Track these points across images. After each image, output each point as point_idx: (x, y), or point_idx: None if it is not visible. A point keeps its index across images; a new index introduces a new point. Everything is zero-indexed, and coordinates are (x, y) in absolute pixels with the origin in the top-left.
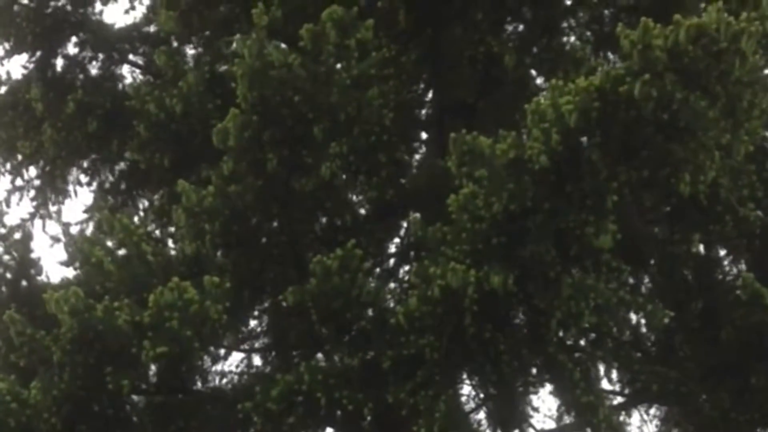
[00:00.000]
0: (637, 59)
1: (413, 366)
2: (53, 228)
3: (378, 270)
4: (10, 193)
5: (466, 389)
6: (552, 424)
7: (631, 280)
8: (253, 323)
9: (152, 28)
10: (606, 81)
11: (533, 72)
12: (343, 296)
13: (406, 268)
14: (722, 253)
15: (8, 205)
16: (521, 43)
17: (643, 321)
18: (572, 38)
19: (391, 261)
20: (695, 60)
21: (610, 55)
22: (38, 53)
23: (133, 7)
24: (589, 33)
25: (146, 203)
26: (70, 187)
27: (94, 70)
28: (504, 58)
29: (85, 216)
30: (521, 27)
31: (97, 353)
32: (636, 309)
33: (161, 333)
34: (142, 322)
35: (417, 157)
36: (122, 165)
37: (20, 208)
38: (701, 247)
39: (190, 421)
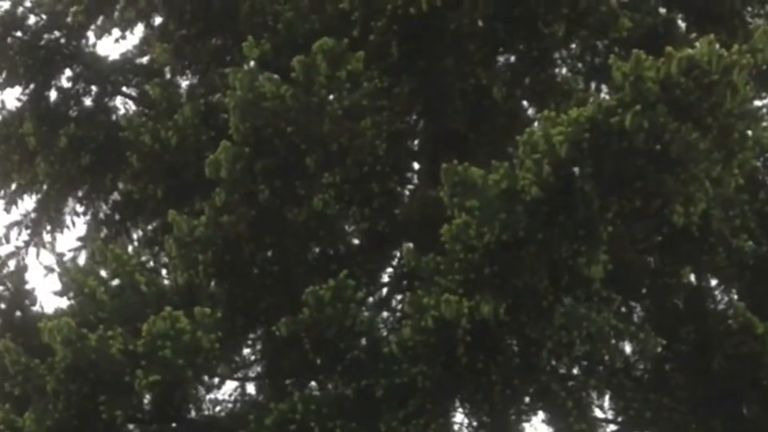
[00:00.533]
0: (629, 91)
1: (406, 395)
2: (47, 258)
3: (371, 299)
4: (8, 228)
5: (459, 418)
6: None
7: (623, 309)
8: (246, 351)
9: (145, 60)
10: (598, 112)
11: (525, 103)
12: (337, 326)
13: (399, 297)
14: (714, 282)
15: (7, 241)
16: (513, 75)
17: (635, 349)
18: (564, 70)
19: (384, 290)
20: (687, 92)
21: (602, 86)
22: (31, 85)
23: (123, 37)
24: (580, 64)
25: (140, 234)
26: (66, 218)
27: (87, 102)
28: (494, 89)
29: (79, 245)
30: (513, 58)
31: (91, 382)
32: (628, 338)
33: (154, 362)
34: (136, 351)
35: (409, 187)
36: (116, 196)
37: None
38: (693, 277)
39: None
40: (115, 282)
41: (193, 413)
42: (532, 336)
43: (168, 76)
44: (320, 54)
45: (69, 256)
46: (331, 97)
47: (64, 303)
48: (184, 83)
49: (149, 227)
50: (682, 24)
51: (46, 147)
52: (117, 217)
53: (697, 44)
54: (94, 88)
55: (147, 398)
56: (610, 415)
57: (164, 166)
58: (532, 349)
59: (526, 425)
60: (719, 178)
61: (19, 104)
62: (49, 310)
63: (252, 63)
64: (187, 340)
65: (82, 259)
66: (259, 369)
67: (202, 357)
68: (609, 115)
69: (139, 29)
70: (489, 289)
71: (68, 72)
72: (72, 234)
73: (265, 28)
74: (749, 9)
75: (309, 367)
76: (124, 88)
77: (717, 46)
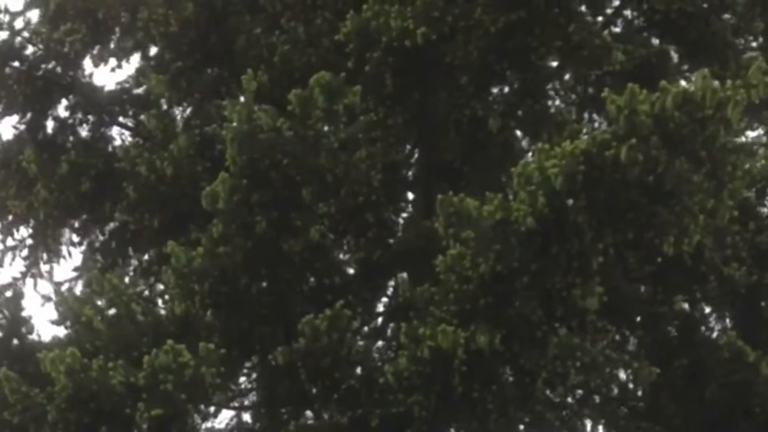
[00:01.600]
0: (623, 124)
1: (402, 424)
2: (44, 287)
3: (366, 329)
4: (3, 253)
5: None
6: None
7: (617, 338)
8: (242, 380)
9: (141, 91)
10: (592, 145)
11: (519, 134)
12: (332, 355)
13: (394, 326)
14: (707, 310)
15: (1, 265)
16: (506, 107)
17: (629, 378)
18: (557, 101)
19: (379, 320)
20: (681, 126)
21: (595, 117)
22: (29, 115)
23: (120, 66)
24: (574, 96)
25: (136, 263)
26: (63, 247)
27: (84, 132)
28: (489, 121)
29: (75, 275)
30: (506, 90)
31: (92, 413)
32: (622, 367)
33: (156, 395)
34: (137, 383)
35: (404, 217)
36: (113, 225)
37: (11, 267)
38: (685, 306)
39: None
40: (112, 311)
41: None
42: (526, 366)
43: (164, 106)
44: (317, 88)
45: (66, 285)
46: (327, 129)
47: (61, 332)
48: (180, 114)
49: (145, 257)
50: (675, 55)
51: (46, 174)
52: (113, 246)
53: (692, 78)
54: (90, 117)
55: (146, 429)
56: None
57: (160, 196)
58: (527, 378)
59: None
60: (712, 210)
61: (16, 132)
62: (45, 338)
63: (248, 95)
64: (189, 375)
65: (78, 289)
66: (255, 398)
67: (203, 391)
68: (603, 147)
69: (136, 59)
70: (484, 319)
71: (65, 102)
72: (69, 264)
73: (261, 61)
74: (741, 41)
75: (305, 396)
76: (120, 118)
77: (711, 80)
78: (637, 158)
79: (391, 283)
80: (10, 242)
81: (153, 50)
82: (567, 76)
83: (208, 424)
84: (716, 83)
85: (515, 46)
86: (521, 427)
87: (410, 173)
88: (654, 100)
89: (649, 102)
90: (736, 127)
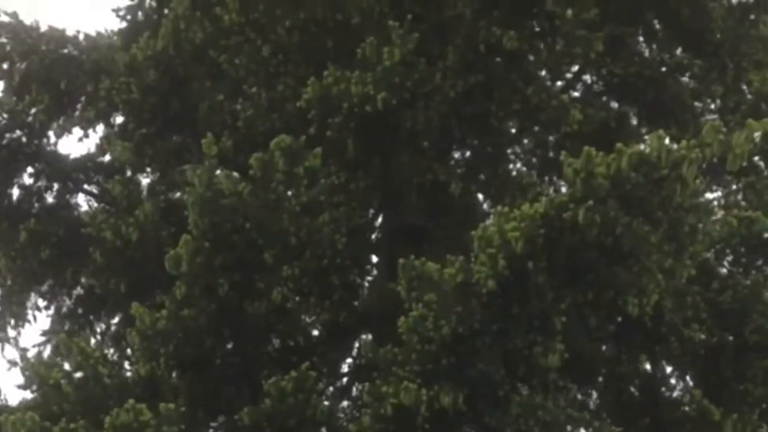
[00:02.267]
0: (580, 186)
1: None
2: (11, 352)
3: (331, 389)
4: None
5: None
6: None
7: (578, 397)
8: None
9: (106, 159)
10: (550, 207)
11: (480, 197)
12: (298, 416)
13: (359, 386)
14: (668, 370)
15: None
16: (468, 170)
17: None
18: (518, 164)
19: (344, 380)
20: (637, 187)
21: (556, 180)
22: None
23: (86, 135)
24: (534, 159)
25: (103, 327)
26: (29, 312)
27: (49, 199)
28: (451, 185)
29: (43, 339)
30: (468, 153)
31: None
32: (584, 426)
33: None
34: None
35: (369, 279)
36: (79, 290)
37: None
38: (647, 365)
39: None
40: (79, 374)
41: None
42: (490, 424)
43: (129, 173)
44: (278, 151)
45: (33, 350)
46: (289, 193)
47: (27, 396)
48: (145, 180)
49: (112, 321)
50: (634, 118)
51: (7, 242)
52: (80, 311)
53: (648, 139)
54: (55, 185)
55: None
56: None
57: (126, 261)
58: None
59: None
60: (671, 270)
61: None
62: (13, 402)
63: (211, 160)
64: None
65: (46, 353)
66: None
67: None
68: (561, 210)
69: (100, 128)
70: (446, 379)
71: (30, 170)
72: (35, 328)
73: (225, 126)
74: (699, 103)
75: None
76: (85, 186)
77: (666, 141)
78: (594, 220)
79: (356, 343)
80: None
81: (117, 118)
82: (527, 140)
83: None
84: (671, 143)
85: (475, 110)
86: None
87: (374, 236)
88: (610, 162)
89: (606, 164)
90: (693, 186)
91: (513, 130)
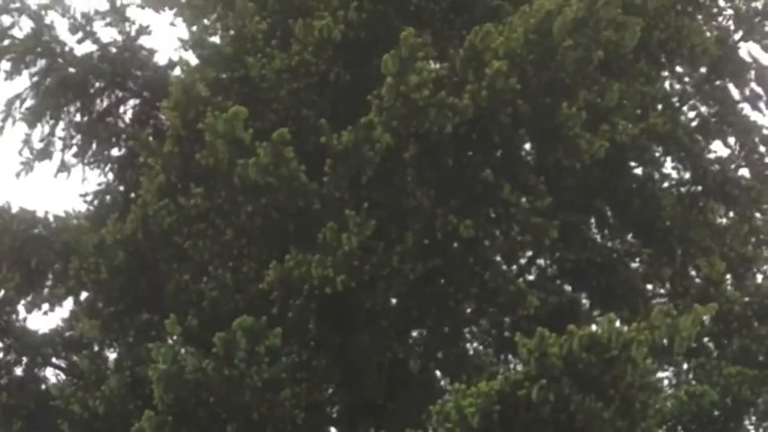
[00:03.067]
0: (534, 365)
1: None
2: None
3: None
4: None
5: None
6: None
7: None
8: None
9: (74, 334)
10: (506, 385)
11: (438, 374)
12: None
13: None
14: None
15: None
16: (426, 349)
17: None
18: (474, 344)
19: None
20: (589, 366)
21: (510, 358)
22: None
23: (53, 310)
24: (490, 339)
25: None
26: None
27: (18, 372)
28: (410, 362)
29: None
30: (426, 333)
31: None
32: None
33: None
34: None
35: None
36: None
37: None
38: None
39: None
40: None
41: None
42: None
43: (96, 348)
44: (240, 331)
45: None
46: (250, 370)
47: None
48: (112, 355)
49: None
50: (586, 301)
51: None
52: None
53: (599, 322)
54: (24, 359)
55: None
56: None
57: None
58: None
59: None
60: None
61: None
62: None
63: (174, 338)
64: None
65: None
66: None
67: None
68: (517, 387)
69: (68, 303)
70: None
71: (0, 344)
72: None
73: (190, 305)
74: (649, 287)
75: None
76: (53, 360)
77: (617, 323)
78: (548, 397)
79: None
80: None
81: (84, 295)
82: (483, 321)
83: None
84: (621, 326)
85: (433, 292)
86: None
87: (334, 411)
88: (563, 343)
89: (559, 344)
90: (643, 366)
91: (469, 311)
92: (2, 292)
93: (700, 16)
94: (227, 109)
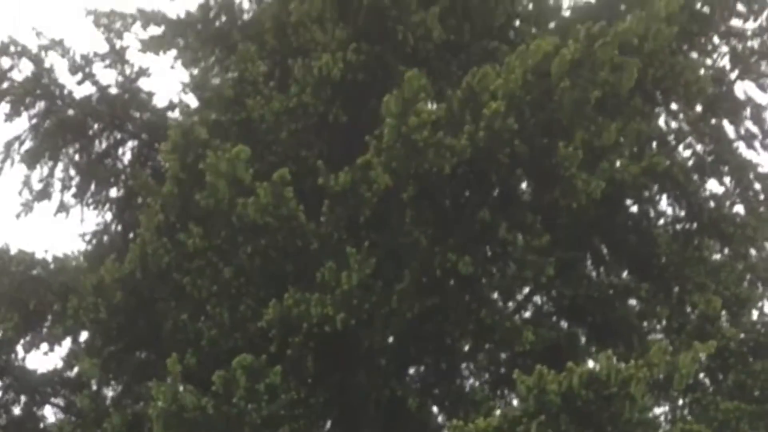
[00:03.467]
0: (533, 402)
1: None
2: None
3: None
4: None
5: None
6: None
7: None
8: None
9: (73, 373)
10: (504, 421)
11: (435, 410)
12: None
13: None
14: None
15: None
16: (423, 386)
17: None
18: (471, 380)
19: None
20: (588, 403)
21: (507, 394)
22: None
23: (52, 349)
24: (487, 375)
25: None
26: None
27: (16, 411)
28: (407, 400)
29: None
30: (423, 369)
31: None
32: None
33: None
34: None
35: None
36: None
37: None
38: None
39: None
40: None
41: None
42: None
43: (95, 387)
44: (239, 369)
45: None
46: (249, 407)
47: None
48: (111, 393)
49: None
50: (583, 338)
51: None
52: None
53: (597, 359)
54: (23, 398)
55: None
56: None
57: None
58: None
59: None
60: None
61: None
62: None
63: (173, 377)
64: None
65: None
66: None
67: None
68: (515, 424)
69: (67, 342)
70: None
71: None
72: None
73: (189, 344)
74: (645, 324)
75: None
76: (52, 399)
77: (615, 360)
78: None
79: None
80: None
81: (83, 335)
82: (480, 357)
83: None
84: (619, 362)
85: (430, 330)
86: None
87: None
88: (561, 380)
89: (557, 381)
90: (641, 403)
91: (467, 348)
92: (1, 332)
93: (695, 55)
94: (228, 150)
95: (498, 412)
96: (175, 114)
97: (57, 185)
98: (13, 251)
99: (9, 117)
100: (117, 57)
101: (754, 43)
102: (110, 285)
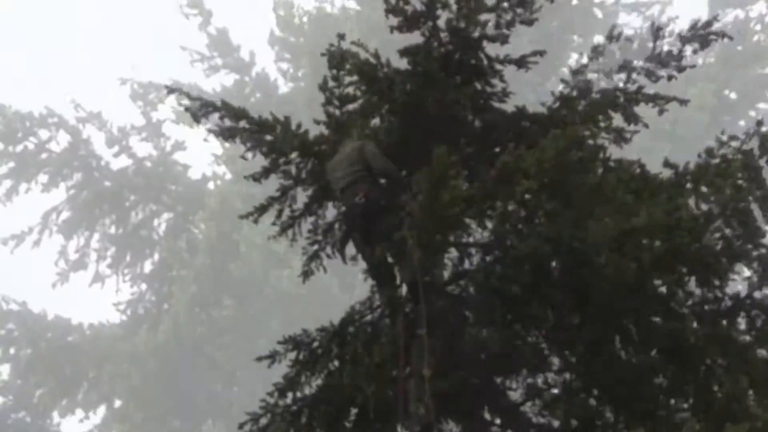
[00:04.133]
0: None
1: None
2: None
3: None
4: None
5: None
6: None
7: None
8: None
9: None
10: None
11: None
12: None
13: None
14: None
15: None
16: None
17: None
18: None
19: None
20: None
21: None
22: None
23: (87, 417)
24: None
25: None
26: None
27: None
28: None
29: None
30: None
31: None
32: None
33: None
34: None
35: None
36: None
37: None
38: None
39: None
40: None
41: None
42: None
43: None
44: None
45: None
46: None
47: None
48: None
49: None
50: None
51: None
52: None
53: None
54: None
55: None
56: None
57: None
58: None
59: None
60: None
61: None
62: None
63: None
64: None
65: None
66: None
67: None
68: None
69: (101, 410)
70: None
71: None
72: None
73: (220, 413)
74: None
75: None
76: None
77: None
78: None
79: None
80: None
81: (118, 402)
82: None
83: None
84: None
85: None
86: None
87: None
88: None
89: None
90: None
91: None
92: (37, 397)
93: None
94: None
95: None
96: (209, 186)
97: (93, 255)
98: (50, 317)
99: (46, 188)
100: (153, 130)
101: None
102: (144, 354)
